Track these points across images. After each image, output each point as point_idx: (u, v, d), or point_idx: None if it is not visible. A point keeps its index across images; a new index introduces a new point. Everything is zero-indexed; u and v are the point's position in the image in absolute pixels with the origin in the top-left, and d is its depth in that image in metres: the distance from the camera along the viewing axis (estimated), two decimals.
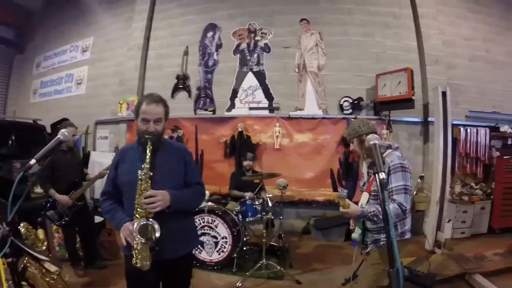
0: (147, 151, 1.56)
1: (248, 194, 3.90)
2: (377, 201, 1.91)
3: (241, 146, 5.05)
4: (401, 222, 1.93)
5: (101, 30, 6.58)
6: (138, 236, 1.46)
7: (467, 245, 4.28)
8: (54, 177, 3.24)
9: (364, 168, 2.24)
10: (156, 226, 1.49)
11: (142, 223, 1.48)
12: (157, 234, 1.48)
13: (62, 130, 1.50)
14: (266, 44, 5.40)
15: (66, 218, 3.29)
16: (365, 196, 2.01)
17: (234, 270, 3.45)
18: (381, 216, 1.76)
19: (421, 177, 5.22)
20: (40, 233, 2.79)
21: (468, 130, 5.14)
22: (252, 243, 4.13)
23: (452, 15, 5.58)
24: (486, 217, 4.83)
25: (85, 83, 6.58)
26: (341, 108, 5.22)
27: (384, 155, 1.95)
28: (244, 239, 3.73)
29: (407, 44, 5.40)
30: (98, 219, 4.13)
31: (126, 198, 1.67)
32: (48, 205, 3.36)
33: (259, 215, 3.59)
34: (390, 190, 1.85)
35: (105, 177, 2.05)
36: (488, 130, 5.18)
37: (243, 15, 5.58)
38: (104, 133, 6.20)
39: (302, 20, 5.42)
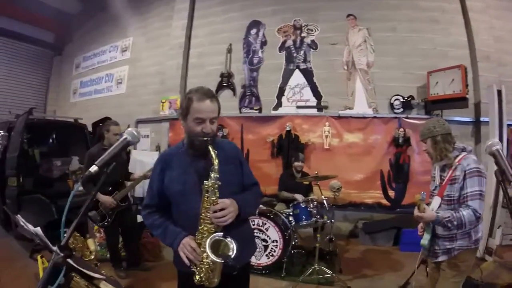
0: (213, 156, 1.26)
1: (298, 196, 3.61)
2: (450, 206, 1.77)
3: (289, 146, 4.71)
4: (474, 230, 1.76)
5: (140, 30, 6.32)
6: (212, 255, 1.19)
7: None
8: (98, 177, 3.04)
9: (436, 171, 1.99)
10: (233, 244, 1.23)
11: (215, 239, 1.23)
12: (234, 251, 1.22)
13: (129, 130, 1.25)
14: (312, 41, 5.03)
15: (109, 219, 3.05)
16: (436, 201, 1.85)
17: (283, 275, 3.18)
18: (455, 223, 1.65)
19: None
20: (91, 243, 2.60)
21: None
22: (299, 246, 3.80)
23: (501, 8, 5.08)
24: None
25: (125, 82, 6.33)
26: (392, 107, 4.80)
27: (459, 158, 1.80)
28: (293, 242, 3.44)
29: (457, 39, 4.91)
30: (140, 218, 3.89)
31: (178, 210, 1.39)
32: (90, 204, 3.14)
33: (313, 219, 3.28)
34: (465, 195, 1.71)
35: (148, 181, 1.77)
36: None
37: (286, 11, 5.21)
38: (145, 131, 5.93)
39: (348, 15, 5.03)
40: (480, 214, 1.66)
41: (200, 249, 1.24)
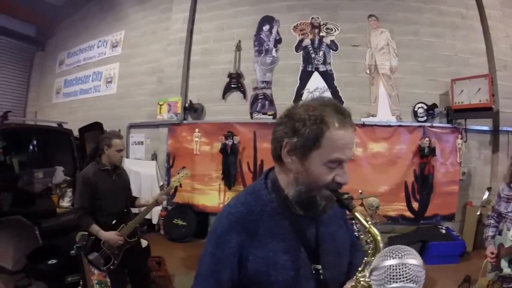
0: (370, 229, 0.60)
1: None
2: None
3: None
4: None
5: (133, 23, 4.67)
6: None
7: None
8: (96, 207, 1.91)
9: (503, 191, 1.65)
10: None
11: None
12: None
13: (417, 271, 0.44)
14: (332, 41, 3.77)
15: (116, 262, 1.92)
16: None
17: None
18: None
19: (489, 189, 3.85)
20: None
21: None
22: None
23: None
24: None
25: (116, 81, 4.66)
26: (415, 114, 3.71)
27: None
28: None
29: (476, 47, 3.94)
30: (143, 242, 2.55)
31: None
32: (88, 244, 1.92)
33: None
34: None
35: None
36: None
37: (303, 7, 3.90)
38: (139, 137, 4.36)
39: (370, 16, 3.83)
40: None
41: None
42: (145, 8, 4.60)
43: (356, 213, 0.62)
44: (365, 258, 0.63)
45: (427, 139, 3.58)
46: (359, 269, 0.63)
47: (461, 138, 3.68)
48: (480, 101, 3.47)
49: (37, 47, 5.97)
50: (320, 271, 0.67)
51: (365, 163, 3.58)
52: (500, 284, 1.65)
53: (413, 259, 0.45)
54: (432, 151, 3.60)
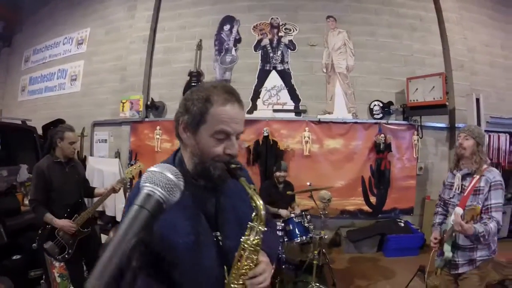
0: (252, 195, 0.69)
1: (283, 212, 2.82)
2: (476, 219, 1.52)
3: (267, 153, 3.61)
4: (493, 240, 1.59)
5: (99, 20, 4.77)
6: None
7: None
8: (50, 199, 2.05)
9: (456, 179, 1.68)
10: None
11: None
12: None
13: (157, 174, 0.52)
14: (290, 41, 3.97)
15: (70, 251, 2.06)
16: (459, 211, 1.54)
17: None
18: (486, 236, 1.47)
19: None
20: None
21: (491, 137, 4.09)
22: (286, 261, 2.81)
23: (472, 21, 4.48)
24: (507, 221, 3.85)
25: (81, 79, 4.75)
26: (371, 112, 3.93)
27: (482, 168, 1.60)
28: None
29: (433, 48, 4.22)
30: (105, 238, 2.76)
31: (178, 272, 0.70)
32: (44, 233, 2.07)
33: (310, 235, 2.62)
34: (489, 206, 1.55)
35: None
36: (508, 136, 4.16)
37: (263, 8, 4.09)
38: (103, 135, 4.46)
39: (328, 17, 4.05)
40: (501, 225, 1.55)
41: None
42: (111, 5, 4.72)
43: (241, 181, 0.71)
44: (249, 223, 0.70)
45: (382, 135, 3.80)
46: (245, 233, 0.70)
47: (417, 135, 3.92)
48: (434, 98, 3.71)
49: (3, 43, 6.01)
50: (220, 238, 0.75)
51: (321, 159, 3.77)
52: (447, 271, 1.68)
53: (169, 173, 0.53)
54: (388, 147, 3.82)
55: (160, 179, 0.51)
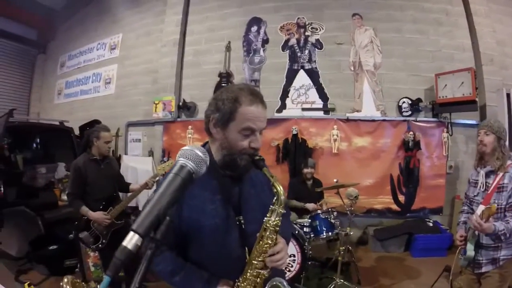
0: (273, 182, 0.81)
1: (310, 206, 2.95)
2: (497, 215, 1.50)
3: (296, 151, 3.75)
4: None
5: (130, 25, 5.06)
6: None
7: None
8: (86, 193, 2.24)
9: (480, 177, 1.66)
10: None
11: (274, 284, 0.85)
12: None
13: (189, 151, 0.63)
14: (317, 40, 4.08)
15: (104, 241, 2.24)
16: (481, 209, 1.54)
17: None
18: (508, 235, 1.44)
19: None
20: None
21: None
22: (312, 257, 2.93)
23: (502, 13, 4.41)
24: None
25: (114, 82, 5.07)
26: (400, 109, 3.98)
27: (506, 165, 1.56)
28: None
29: (461, 42, 4.17)
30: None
31: (203, 251, 0.85)
32: (81, 224, 2.27)
33: (335, 231, 2.68)
34: (510, 205, 1.50)
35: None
36: None
37: (289, 8, 4.21)
38: (136, 135, 4.75)
39: (354, 15, 4.13)
40: None
41: None
42: (141, 11, 5.00)
43: (264, 170, 0.84)
44: (271, 206, 0.82)
45: (411, 133, 3.82)
46: (267, 215, 0.82)
47: (447, 132, 3.91)
48: (463, 94, 3.66)
49: (38, 50, 6.45)
50: (242, 222, 0.86)
51: (349, 157, 3.86)
52: (471, 271, 1.65)
53: (198, 151, 0.63)
54: (417, 144, 3.82)
55: (191, 155, 0.62)
